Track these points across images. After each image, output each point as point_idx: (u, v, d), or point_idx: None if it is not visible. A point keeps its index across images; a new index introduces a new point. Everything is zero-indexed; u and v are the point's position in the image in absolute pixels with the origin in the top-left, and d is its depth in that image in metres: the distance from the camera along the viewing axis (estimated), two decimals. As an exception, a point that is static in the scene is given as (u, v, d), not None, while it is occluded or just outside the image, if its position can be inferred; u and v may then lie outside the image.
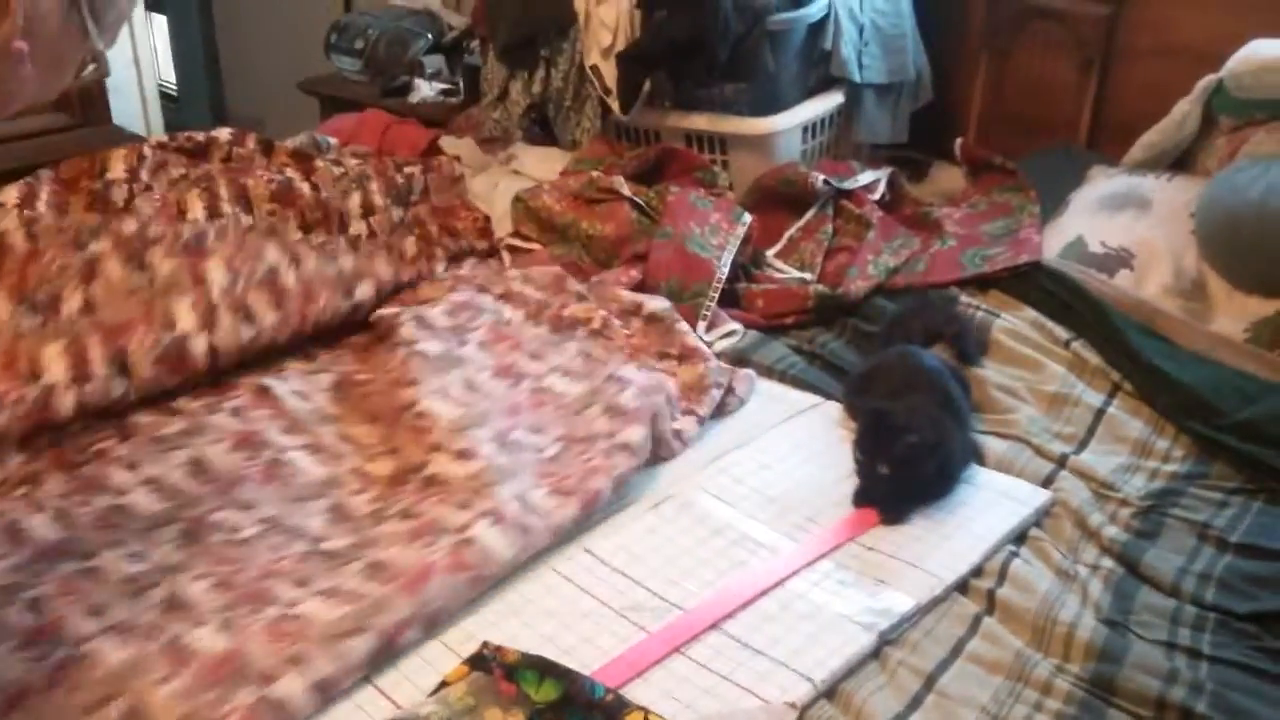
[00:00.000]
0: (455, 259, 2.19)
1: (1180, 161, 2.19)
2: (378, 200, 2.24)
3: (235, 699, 1.13)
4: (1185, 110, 2.13)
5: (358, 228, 2.20)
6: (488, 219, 2.31)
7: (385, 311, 1.89)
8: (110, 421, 1.62)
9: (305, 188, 2.17)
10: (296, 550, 1.39)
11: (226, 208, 2.11)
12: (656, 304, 1.92)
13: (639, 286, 2.05)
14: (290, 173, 2.17)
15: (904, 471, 1.46)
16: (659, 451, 1.58)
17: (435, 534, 1.37)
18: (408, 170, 2.32)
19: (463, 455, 1.52)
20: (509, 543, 1.34)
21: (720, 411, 1.71)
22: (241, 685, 1.14)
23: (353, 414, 1.67)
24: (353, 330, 1.91)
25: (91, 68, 1.09)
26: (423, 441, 1.57)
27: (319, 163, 2.19)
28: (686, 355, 1.80)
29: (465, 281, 2.02)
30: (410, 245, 2.14)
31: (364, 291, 1.89)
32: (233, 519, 1.44)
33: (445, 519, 1.40)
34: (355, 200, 2.21)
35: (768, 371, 1.84)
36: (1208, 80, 2.10)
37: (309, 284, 1.81)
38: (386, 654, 1.21)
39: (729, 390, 1.72)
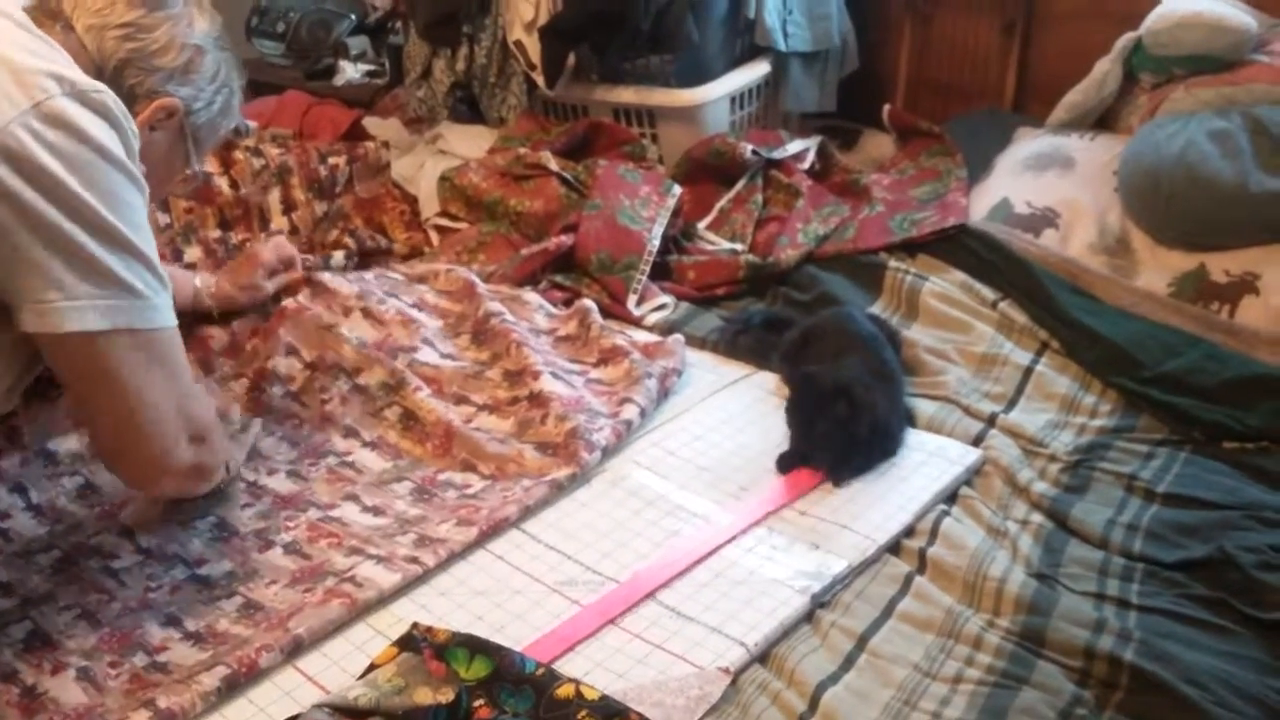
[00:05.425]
0: (374, 256, 2.15)
1: (1103, 120, 2.21)
2: (299, 194, 2.19)
3: None
4: (1106, 69, 2.15)
5: (279, 223, 2.16)
6: (414, 210, 2.28)
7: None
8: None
9: (224, 184, 2.11)
10: (173, 577, 1.35)
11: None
12: (570, 326, 1.86)
13: (568, 256, 2.03)
14: (208, 168, 2.11)
15: (840, 432, 1.46)
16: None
17: (318, 578, 1.32)
18: (332, 161, 2.27)
19: (373, 510, 1.48)
20: (393, 579, 1.30)
21: (665, 391, 1.67)
22: None
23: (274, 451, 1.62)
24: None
25: (188, 174, 1.40)
26: (338, 489, 1.53)
27: (238, 154, 2.14)
28: (606, 359, 1.75)
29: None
30: (332, 240, 2.10)
31: None
32: (110, 543, 1.40)
33: (333, 562, 1.35)
34: (275, 195, 2.17)
35: (700, 343, 1.83)
36: (1127, 39, 2.12)
37: None
38: (243, 680, 1.17)
39: (665, 375, 1.68)
